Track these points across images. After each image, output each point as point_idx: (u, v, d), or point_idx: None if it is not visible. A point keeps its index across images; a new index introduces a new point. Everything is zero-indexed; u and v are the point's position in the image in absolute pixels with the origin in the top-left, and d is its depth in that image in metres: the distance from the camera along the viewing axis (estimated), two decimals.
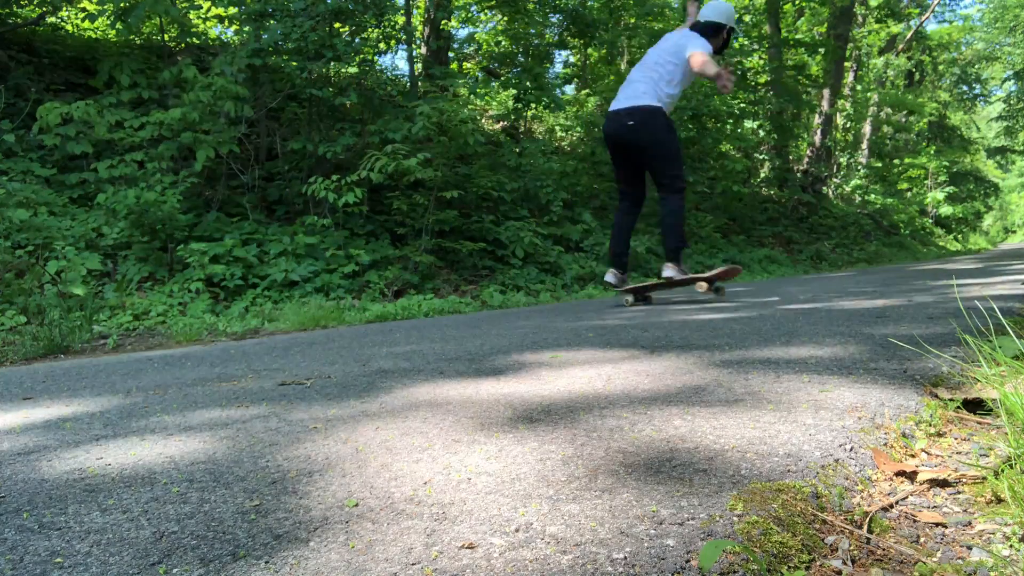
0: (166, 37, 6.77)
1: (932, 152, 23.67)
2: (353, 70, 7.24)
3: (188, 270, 4.96)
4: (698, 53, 3.74)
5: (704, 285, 3.98)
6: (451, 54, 10.45)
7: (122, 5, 5.74)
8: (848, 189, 18.69)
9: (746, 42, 14.44)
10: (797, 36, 15.95)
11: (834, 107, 16.55)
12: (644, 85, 3.89)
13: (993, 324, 1.89)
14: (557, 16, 10.54)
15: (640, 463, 1.03)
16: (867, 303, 3.33)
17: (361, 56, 6.91)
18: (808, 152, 16.74)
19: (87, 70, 6.62)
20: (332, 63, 6.56)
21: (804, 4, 16.16)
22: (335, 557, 0.77)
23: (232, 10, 6.52)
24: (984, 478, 0.99)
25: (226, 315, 4.56)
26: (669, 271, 3.94)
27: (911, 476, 1.02)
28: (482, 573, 0.71)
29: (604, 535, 0.79)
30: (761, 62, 14.08)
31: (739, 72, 12.42)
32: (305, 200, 6.08)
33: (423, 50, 9.22)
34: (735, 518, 0.82)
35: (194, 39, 7.17)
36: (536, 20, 10.35)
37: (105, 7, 6.10)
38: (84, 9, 7.51)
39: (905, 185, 22.92)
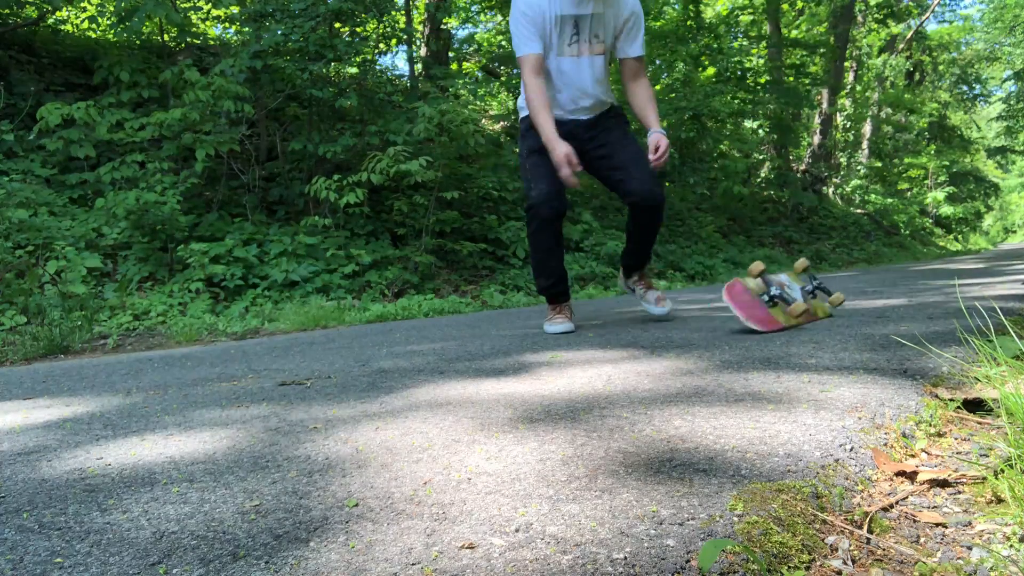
0: (166, 37, 6.77)
1: (932, 152, 23.68)
2: (353, 70, 7.24)
3: (188, 270, 4.96)
4: (519, 59, 2.64)
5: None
6: (451, 54, 10.46)
7: (124, 6, 5.74)
8: (848, 189, 18.70)
9: (746, 42, 14.44)
10: (795, 35, 15.96)
11: (834, 107, 16.56)
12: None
13: (993, 324, 1.89)
14: None
15: (640, 463, 1.03)
16: (867, 303, 3.33)
17: (361, 56, 6.91)
18: (808, 152, 16.75)
19: (87, 70, 6.62)
20: (332, 63, 6.56)
21: (803, 3, 16.17)
22: (335, 557, 0.77)
23: (234, 8, 6.52)
24: (984, 478, 0.99)
25: (226, 315, 4.56)
26: None
27: (911, 476, 1.02)
28: (482, 573, 0.71)
29: (604, 535, 0.79)
30: (761, 61, 14.08)
31: (739, 73, 12.43)
32: (306, 200, 6.08)
33: (423, 51, 9.23)
34: (735, 518, 0.82)
35: (194, 39, 7.18)
36: None
37: (106, 8, 6.11)
38: (85, 9, 7.51)
39: (905, 185, 22.93)
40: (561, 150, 2.42)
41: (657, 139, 2.60)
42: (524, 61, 2.56)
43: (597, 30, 2.61)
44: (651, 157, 2.60)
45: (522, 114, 2.80)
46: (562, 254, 2.80)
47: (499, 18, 12.19)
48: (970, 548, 0.80)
